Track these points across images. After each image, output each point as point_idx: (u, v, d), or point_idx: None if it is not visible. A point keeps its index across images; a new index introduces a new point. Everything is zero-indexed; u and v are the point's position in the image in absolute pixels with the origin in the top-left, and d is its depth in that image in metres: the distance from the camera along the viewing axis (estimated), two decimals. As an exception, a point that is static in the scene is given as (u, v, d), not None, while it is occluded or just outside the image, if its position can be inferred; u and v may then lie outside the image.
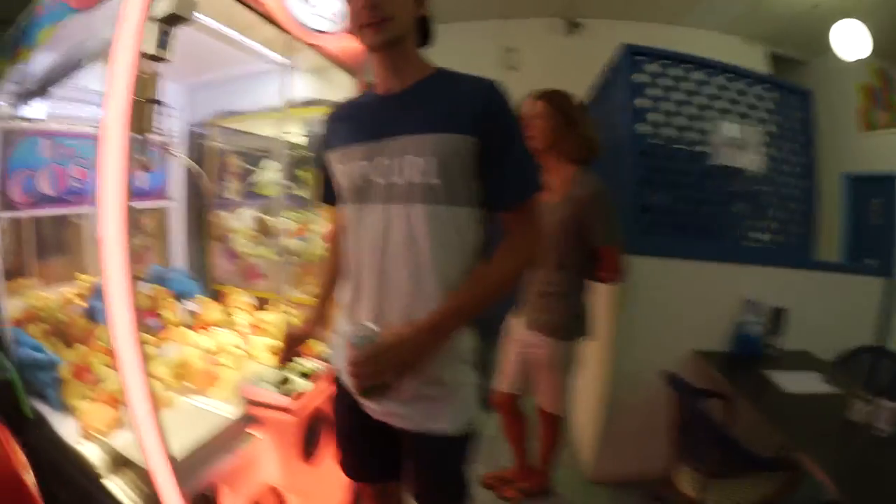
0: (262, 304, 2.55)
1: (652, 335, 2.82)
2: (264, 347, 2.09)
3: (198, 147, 2.93)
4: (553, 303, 2.34)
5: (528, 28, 5.91)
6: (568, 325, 2.37)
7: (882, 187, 4.97)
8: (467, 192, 1.25)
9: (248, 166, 2.98)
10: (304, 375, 1.80)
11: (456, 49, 5.40)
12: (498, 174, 1.25)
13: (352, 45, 2.37)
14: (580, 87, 2.89)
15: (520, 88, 2.36)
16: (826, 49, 4.88)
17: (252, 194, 2.98)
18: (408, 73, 1.31)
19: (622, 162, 2.98)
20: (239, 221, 2.87)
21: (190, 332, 2.08)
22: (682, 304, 2.84)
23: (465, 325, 1.27)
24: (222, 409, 1.77)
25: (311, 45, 2.14)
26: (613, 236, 2.27)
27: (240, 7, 1.81)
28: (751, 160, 3.14)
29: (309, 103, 2.81)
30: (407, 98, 1.30)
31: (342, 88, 2.59)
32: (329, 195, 1.48)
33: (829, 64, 5.18)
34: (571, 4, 5.54)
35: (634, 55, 3.04)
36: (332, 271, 1.58)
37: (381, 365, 1.17)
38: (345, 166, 1.34)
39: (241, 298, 2.47)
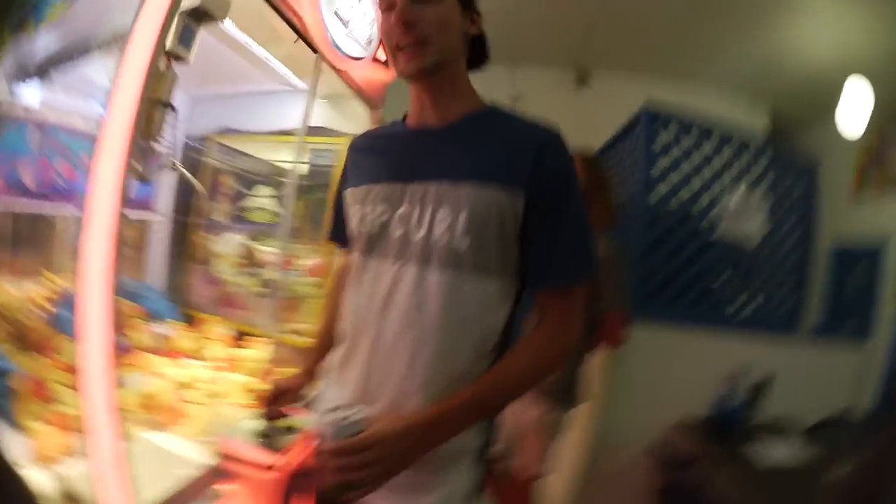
0: (238, 336, 2.33)
1: (638, 401, 2.80)
2: (237, 387, 1.90)
3: (191, 161, 2.73)
4: None
5: (537, 77, 5.92)
6: (563, 390, 2.23)
7: (867, 256, 5.05)
8: (501, 260, 1.03)
9: (242, 189, 2.81)
10: (288, 429, 1.59)
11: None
12: (544, 245, 1.03)
13: (375, 76, 2.26)
14: (585, 141, 2.82)
15: None
16: (829, 113, 5.05)
17: (241, 219, 2.81)
18: (450, 107, 1.10)
19: (629, 226, 2.95)
20: (224, 246, 2.69)
21: (158, 360, 1.88)
22: (670, 370, 2.84)
23: (477, 422, 1.04)
24: (188, 451, 1.57)
25: (336, 70, 1.99)
26: (622, 300, 2.19)
27: (267, 18, 1.65)
28: (753, 231, 3.17)
29: (317, 131, 2.68)
30: (445, 137, 1.09)
31: (356, 120, 2.46)
32: (340, 235, 1.27)
33: (829, 127, 5.32)
34: (584, 54, 5.53)
35: (652, 120, 3.01)
36: (331, 321, 1.30)
37: (366, 460, 0.91)
38: (360, 207, 1.13)
39: (216, 328, 2.26)
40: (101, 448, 1.14)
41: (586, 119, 4.24)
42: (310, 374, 1.34)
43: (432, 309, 1.00)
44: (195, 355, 2.04)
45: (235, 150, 2.82)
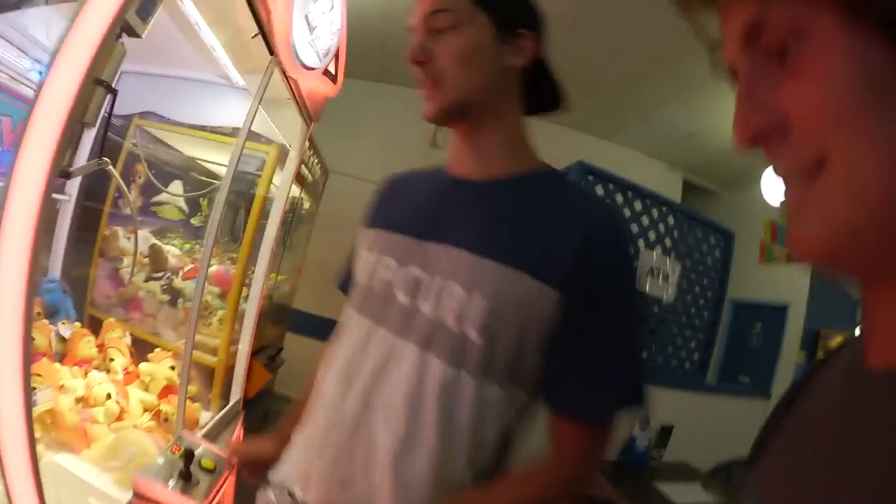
0: (137, 345, 2.05)
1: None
2: (141, 405, 1.69)
3: (109, 142, 2.47)
4: None
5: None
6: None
7: (764, 314, 5.59)
8: (515, 365, 0.83)
9: (157, 182, 2.58)
10: (208, 470, 1.40)
11: (389, 111, 5.38)
12: (574, 362, 0.82)
13: (320, 88, 2.13)
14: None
15: None
16: (740, 185, 5.46)
17: (150, 213, 2.59)
18: (494, 158, 0.92)
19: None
20: (132, 243, 2.40)
21: (62, 370, 1.60)
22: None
23: None
24: (98, 480, 1.35)
25: (286, 76, 1.85)
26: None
27: (231, 2, 1.50)
28: (667, 290, 3.29)
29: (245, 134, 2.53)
30: (480, 193, 0.90)
31: (288, 130, 2.32)
32: (345, 282, 1.12)
33: (739, 197, 5.91)
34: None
35: (587, 173, 3.05)
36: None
37: None
38: (367, 255, 0.97)
39: (118, 335, 1.97)
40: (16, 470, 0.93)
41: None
42: (285, 441, 1.08)
43: (425, 404, 0.82)
44: (97, 365, 1.79)
45: (158, 140, 2.59)
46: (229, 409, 2.02)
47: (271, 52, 1.68)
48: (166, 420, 1.68)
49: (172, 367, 1.88)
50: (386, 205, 1.06)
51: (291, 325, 4.27)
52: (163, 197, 2.62)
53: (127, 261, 2.29)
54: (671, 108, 4.72)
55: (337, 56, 2.03)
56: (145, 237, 2.44)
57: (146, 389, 1.79)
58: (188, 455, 1.25)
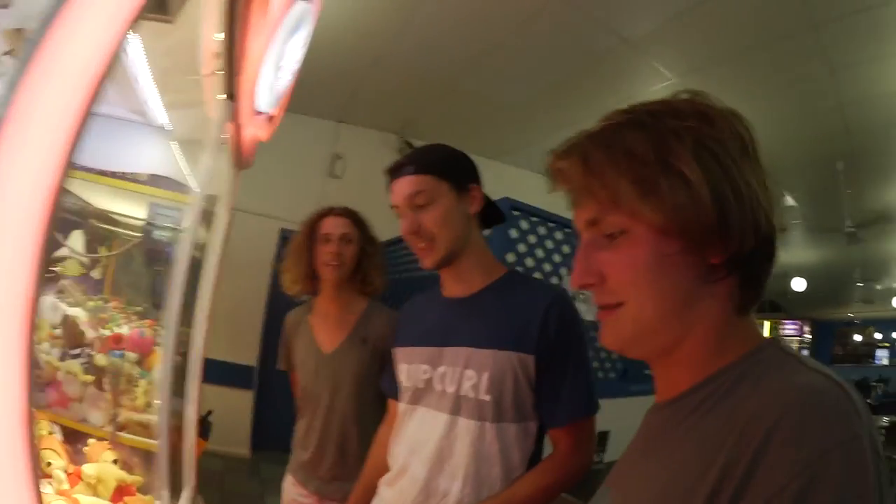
0: (69, 437, 1.71)
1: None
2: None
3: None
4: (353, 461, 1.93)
5: (362, 138, 5.86)
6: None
7: None
8: (518, 408, 1.26)
9: (57, 234, 2.26)
10: None
11: (292, 142, 5.20)
12: (552, 392, 1.26)
13: (258, 133, 1.91)
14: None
15: (338, 198, 2.28)
16: None
17: (50, 272, 2.24)
18: (473, 278, 1.35)
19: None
20: (40, 312, 2.02)
21: None
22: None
23: None
24: None
25: (235, 122, 1.60)
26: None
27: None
28: (590, 311, 3.41)
29: (162, 182, 2.30)
30: (470, 306, 1.33)
31: (213, 176, 2.07)
32: (392, 388, 1.50)
33: None
34: (409, 123, 5.61)
35: (512, 209, 3.12)
36: (379, 464, 1.50)
37: None
38: (407, 366, 1.39)
39: (45, 430, 1.65)
40: None
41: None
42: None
43: (460, 448, 1.25)
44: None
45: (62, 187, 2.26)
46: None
47: (229, 94, 1.47)
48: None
49: (115, 461, 1.62)
50: (410, 326, 1.49)
51: (205, 376, 3.88)
52: (63, 251, 2.30)
53: (38, 335, 1.95)
54: (568, 134, 4.91)
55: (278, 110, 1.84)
56: (52, 304, 2.09)
57: (94, 493, 1.51)
58: None
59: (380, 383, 1.63)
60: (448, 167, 1.33)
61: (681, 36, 3.94)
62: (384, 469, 1.45)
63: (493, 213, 1.42)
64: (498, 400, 1.23)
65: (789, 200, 5.93)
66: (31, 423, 0.53)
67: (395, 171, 1.34)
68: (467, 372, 1.25)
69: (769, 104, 4.39)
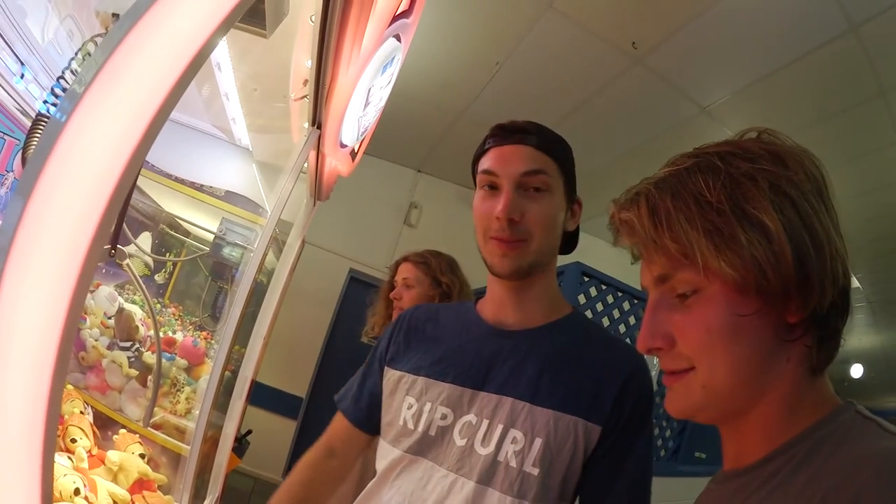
0: (102, 423, 1.76)
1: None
2: (110, 498, 1.43)
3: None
4: None
5: (440, 190, 5.93)
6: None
7: None
8: (565, 485, 0.94)
9: (129, 233, 2.35)
10: None
11: (371, 184, 5.32)
12: (603, 483, 0.95)
13: (340, 167, 1.98)
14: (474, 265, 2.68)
15: (410, 247, 2.20)
16: None
17: (114, 263, 2.32)
18: (535, 309, 1.03)
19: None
20: (94, 300, 2.11)
21: None
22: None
23: None
24: None
25: (320, 151, 1.68)
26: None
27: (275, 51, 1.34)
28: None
29: (236, 200, 2.37)
30: (524, 344, 1.00)
31: (289, 203, 2.15)
32: (361, 417, 1.14)
33: None
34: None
35: (583, 274, 3.10)
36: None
37: None
38: (416, 402, 1.02)
39: (78, 408, 1.66)
40: None
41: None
42: None
43: None
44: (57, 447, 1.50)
45: (139, 188, 2.36)
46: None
47: (316, 122, 1.51)
48: (142, 522, 1.43)
49: (143, 455, 1.63)
50: (420, 346, 1.10)
51: (252, 398, 3.96)
52: (130, 248, 2.38)
53: (90, 320, 2.02)
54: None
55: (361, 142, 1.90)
56: (109, 293, 2.17)
57: (114, 480, 1.52)
58: None
59: (336, 397, 1.21)
60: (569, 163, 1.05)
61: (752, 107, 3.86)
62: None
63: (569, 244, 1.12)
64: (547, 474, 0.92)
65: (854, 282, 5.56)
66: (58, 389, 0.51)
67: (510, 132, 1.02)
68: (513, 432, 0.93)
69: (836, 176, 4.19)
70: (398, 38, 1.43)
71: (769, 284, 0.56)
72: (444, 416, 0.99)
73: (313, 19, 1.13)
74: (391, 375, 1.09)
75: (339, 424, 1.18)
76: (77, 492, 1.34)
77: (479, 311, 1.08)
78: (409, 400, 1.03)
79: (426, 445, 0.99)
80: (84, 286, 0.52)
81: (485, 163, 1.01)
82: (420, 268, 2.09)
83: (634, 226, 0.63)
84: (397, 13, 1.32)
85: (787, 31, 3.12)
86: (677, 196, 0.60)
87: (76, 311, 0.52)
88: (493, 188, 0.99)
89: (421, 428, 1.00)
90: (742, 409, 0.62)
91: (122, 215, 1.07)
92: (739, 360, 0.59)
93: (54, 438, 0.51)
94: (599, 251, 5.32)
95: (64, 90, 0.99)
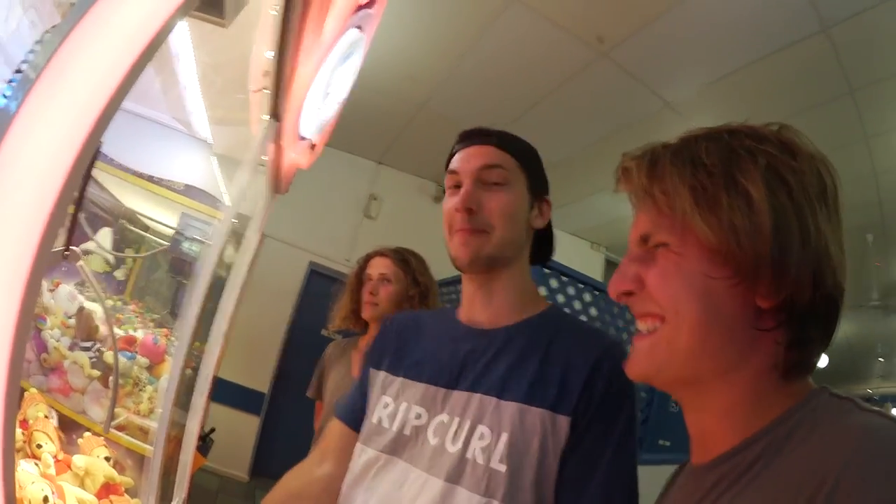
0: (66, 426, 1.71)
1: None
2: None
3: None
4: None
5: (400, 182, 5.91)
6: None
7: None
8: (537, 483, 0.90)
9: (88, 228, 2.30)
10: None
11: (331, 176, 5.27)
12: (578, 479, 0.90)
13: (299, 160, 1.94)
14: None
15: (370, 239, 2.14)
16: None
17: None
18: (507, 306, 1.04)
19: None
20: (54, 300, 2.05)
21: None
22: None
23: None
24: None
25: (276, 144, 1.63)
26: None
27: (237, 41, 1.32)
28: None
29: (196, 194, 2.32)
30: (496, 342, 1.00)
31: (248, 196, 2.10)
32: (356, 418, 1.11)
33: None
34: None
35: (543, 267, 3.09)
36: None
37: None
38: (393, 402, 1.04)
39: (42, 412, 1.61)
40: None
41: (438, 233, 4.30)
42: None
43: None
44: (19, 448, 1.45)
45: (98, 183, 2.29)
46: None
47: (274, 114, 1.48)
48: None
49: (108, 458, 1.59)
50: (403, 349, 1.12)
51: (215, 395, 3.90)
52: (89, 245, 2.32)
53: (51, 320, 1.97)
54: (605, 195, 4.92)
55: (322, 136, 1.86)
56: (69, 293, 2.11)
57: (81, 485, 1.48)
58: None
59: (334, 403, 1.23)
60: (532, 161, 1.08)
61: (719, 102, 3.95)
62: None
63: (544, 249, 1.15)
64: (515, 472, 0.88)
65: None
66: (14, 392, 0.50)
67: (471, 137, 1.07)
68: (480, 428, 0.92)
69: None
70: (360, 29, 1.41)
71: (742, 253, 0.57)
72: (418, 416, 0.99)
73: (275, 9, 1.11)
74: (375, 377, 1.11)
75: (334, 428, 1.18)
76: (46, 500, 1.29)
77: (457, 313, 1.10)
78: (385, 399, 1.05)
79: (401, 445, 0.99)
80: (34, 289, 0.50)
81: (450, 166, 1.06)
82: (400, 265, 2.10)
83: (633, 174, 0.67)
84: (361, 4, 1.30)
85: (756, 29, 3.20)
86: (677, 155, 0.64)
87: (28, 314, 0.50)
88: (458, 187, 1.02)
89: (395, 427, 1.00)
90: (701, 379, 0.62)
91: (76, 214, 1.04)
92: (703, 323, 0.60)
93: (13, 446, 0.50)
94: (560, 242, 5.47)
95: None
